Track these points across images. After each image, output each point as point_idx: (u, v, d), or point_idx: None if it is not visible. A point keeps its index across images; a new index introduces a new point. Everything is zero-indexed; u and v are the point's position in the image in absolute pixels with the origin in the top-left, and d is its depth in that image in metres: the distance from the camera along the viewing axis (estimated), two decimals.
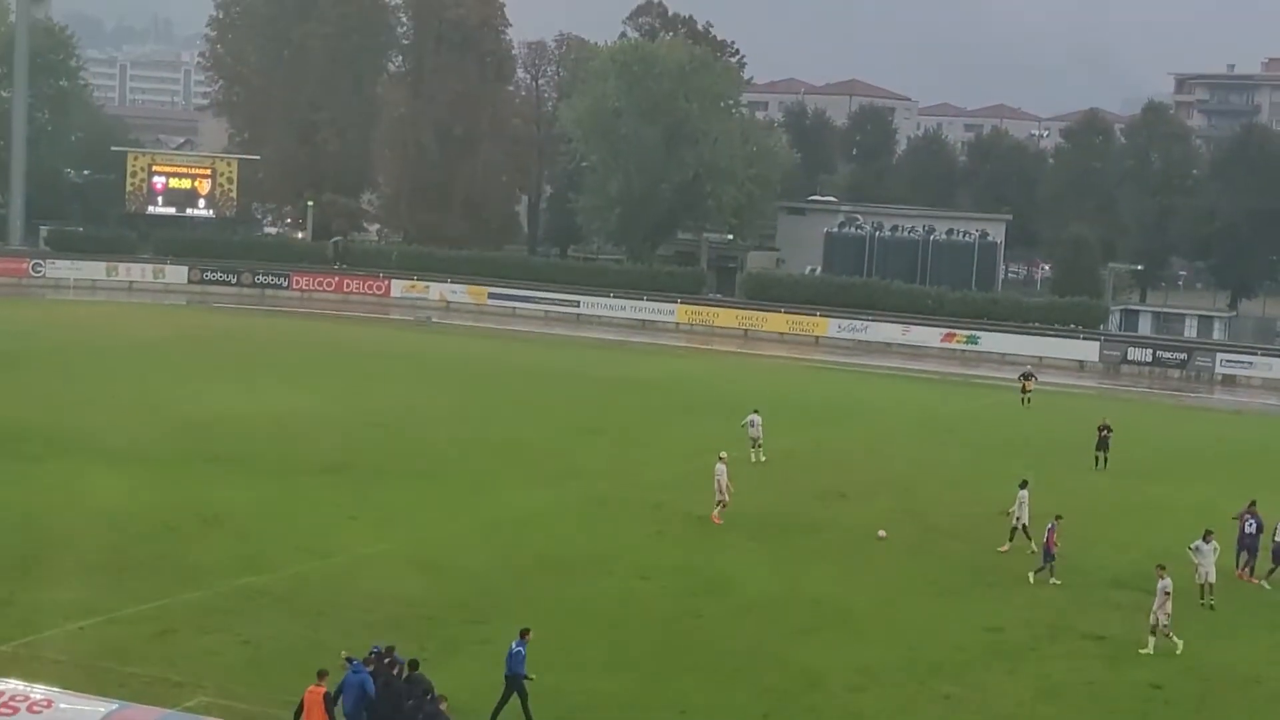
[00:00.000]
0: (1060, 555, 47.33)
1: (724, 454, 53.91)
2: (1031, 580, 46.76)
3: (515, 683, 32.61)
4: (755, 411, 65.08)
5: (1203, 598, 44.65)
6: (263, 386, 75.68)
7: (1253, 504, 49.66)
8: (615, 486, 57.59)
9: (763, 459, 62.90)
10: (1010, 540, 50.62)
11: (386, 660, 31.50)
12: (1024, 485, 51.34)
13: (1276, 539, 48.68)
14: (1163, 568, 41.33)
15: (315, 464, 57.91)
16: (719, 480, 52.61)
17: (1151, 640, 40.54)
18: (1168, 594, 40.37)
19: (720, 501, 52.47)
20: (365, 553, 45.89)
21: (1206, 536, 45.28)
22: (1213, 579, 44.88)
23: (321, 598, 41.13)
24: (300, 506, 51.45)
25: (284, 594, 41.35)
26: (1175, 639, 40.46)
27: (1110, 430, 67.86)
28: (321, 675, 30.06)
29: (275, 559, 44.46)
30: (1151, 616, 40.82)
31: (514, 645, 32.89)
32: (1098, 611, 44.26)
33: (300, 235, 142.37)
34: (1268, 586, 48.11)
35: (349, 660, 31.10)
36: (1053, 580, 46.70)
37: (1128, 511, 58.09)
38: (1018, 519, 50.63)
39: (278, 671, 35.47)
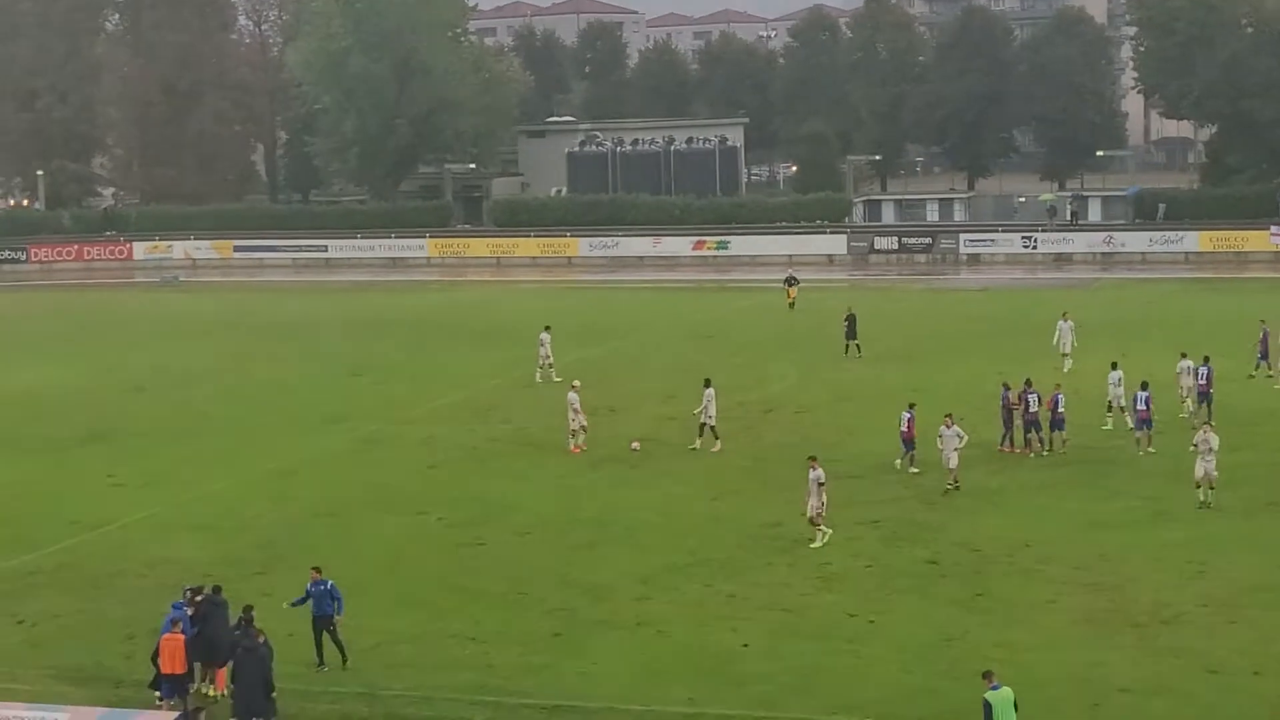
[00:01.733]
0: (829, 443, 48.20)
1: (576, 383, 53.43)
2: (897, 467, 47.72)
3: (327, 622, 32.79)
4: (546, 329, 65.25)
5: (949, 482, 45.35)
6: (11, 363, 73.81)
7: (1028, 382, 50.66)
8: (384, 425, 57.34)
9: (556, 379, 62.88)
10: (700, 437, 51.39)
11: (200, 599, 31.95)
12: (708, 384, 51.75)
13: (1058, 411, 49.78)
14: (813, 459, 41.42)
15: (74, 436, 56.74)
16: (572, 409, 52.00)
17: (820, 534, 40.63)
18: (820, 484, 40.47)
19: (574, 431, 51.94)
20: (135, 519, 45.16)
21: (948, 422, 45.94)
22: (954, 464, 45.39)
23: (96, 569, 40.42)
24: (63, 480, 50.40)
25: (56, 569, 40.56)
26: (825, 529, 40.63)
27: (854, 317, 69.27)
28: (175, 622, 30.47)
29: (43, 536, 43.53)
30: (809, 509, 40.75)
31: (316, 585, 32.88)
32: (870, 497, 45.21)
33: (30, 204, 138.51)
34: (1045, 454, 49.48)
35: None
36: (912, 469, 47.30)
37: (890, 397, 59.20)
38: (707, 416, 51.26)
39: (58, 647, 34.85)
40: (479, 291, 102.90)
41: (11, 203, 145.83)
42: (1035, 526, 41.96)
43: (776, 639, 34.12)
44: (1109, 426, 52.73)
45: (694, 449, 51.15)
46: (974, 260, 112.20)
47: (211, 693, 31.18)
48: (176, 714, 25.32)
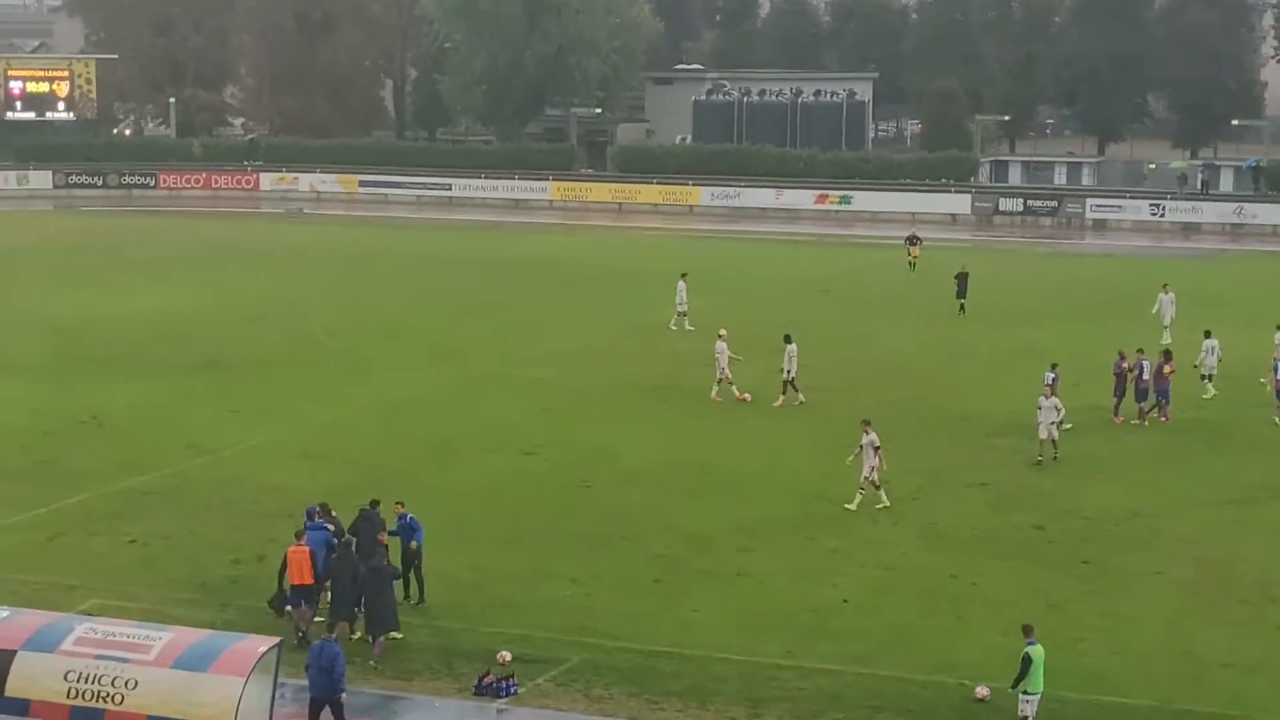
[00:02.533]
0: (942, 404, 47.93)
1: (723, 331, 52.90)
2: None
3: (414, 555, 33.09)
4: (682, 276, 64.90)
5: (1046, 454, 44.42)
6: (135, 288, 74.81)
7: (1140, 352, 50.09)
8: (497, 365, 57.65)
9: (688, 328, 62.87)
10: (783, 394, 51.13)
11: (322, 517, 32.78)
12: (789, 340, 51.38)
13: (1158, 376, 49.23)
14: (867, 422, 40.91)
15: (193, 361, 57.50)
16: (719, 358, 51.77)
17: (859, 495, 40.11)
18: (876, 448, 40.01)
19: (720, 379, 51.73)
20: (248, 446, 45.74)
21: (1046, 394, 45.14)
22: (1055, 436, 44.49)
23: (207, 493, 41.02)
24: (180, 404, 51.12)
25: (169, 492, 41.19)
26: (884, 494, 40.14)
27: (965, 275, 68.96)
28: (299, 535, 31.45)
29: (158, 458, 44.21)
30: (863, 472, 40.16)
31: (407, 517, 33.23)
32: (979, 459, 44.94)
33: (166, 130, 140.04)
34: (1148, 424, 49.00)
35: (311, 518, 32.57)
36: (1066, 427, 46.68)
37: (1005, 359, 58.89)
38: (787, 373, 51.01)
39: (169, 567, 35.46)
40: (598, 237, 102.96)
41: (128, 132, 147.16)
42: (1145, 496, 41.56)
43: (876, 596, 34.07)
44: (1210, 395, 52.08)
45: (777, 405, 50.92)
46: (1100, 226, 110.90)
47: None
48: (274, 642, 25.63)
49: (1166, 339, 59.25)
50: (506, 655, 30.39)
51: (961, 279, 69.00)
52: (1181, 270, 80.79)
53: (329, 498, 38.20)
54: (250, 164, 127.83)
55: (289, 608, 31.39)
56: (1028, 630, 27.53)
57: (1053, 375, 48.08)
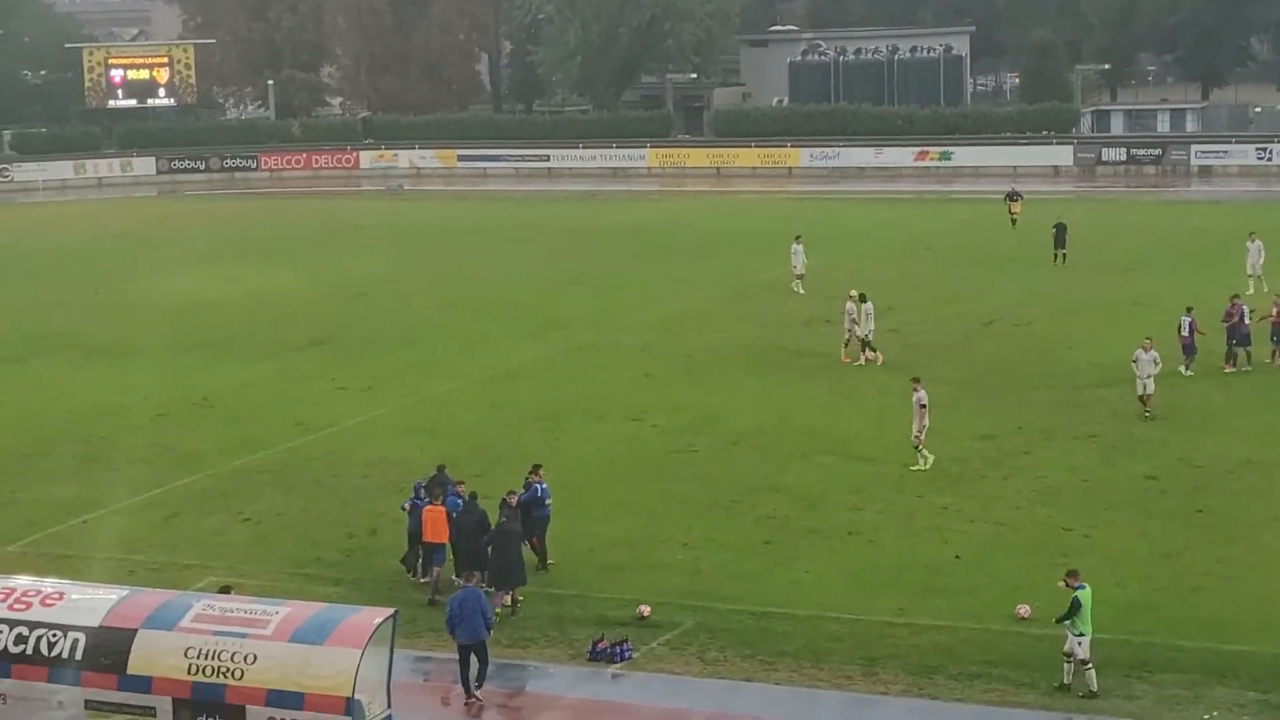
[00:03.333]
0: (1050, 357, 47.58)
1: (854, 292, 51.97)
2: (1183, 373, 47.25)
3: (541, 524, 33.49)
4: (797, 239, 64.40)
5: (1145, 408, 43.54)
6: (241, 269, 75.51)
7: (1235, 298, 49.52)
8: (600, 333, 57.77)
9: (799, 292, 62.52)
10: (864, 353, 50.59)
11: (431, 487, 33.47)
12: (864, 298, 50.75)
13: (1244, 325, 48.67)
14: (916, 380, 40.41)
15: (300, 340, 58.01)
16: (848, 317, 51.13)
17: (921, 458, 39.67)
18: (923, 406, 39.46)
19: (846, 340, 51.13)
20: (357, 421, 46.12)
21: (1146, 346, 43.85)
22: (1150, 390, 43.44)
23: (318, 469, 41.43)
24: (289, 383, 51.64)
25: (280, 469, 41.64)
26: (927, 454, 39.65)
27: (1063, 225, 68.62)
28: (436, 496, 32.50)
29: (268, 436, 44.69)
30: (913, 430, 39.75)
31: (538, 487, 33.56)
32: (1089, 411, 44.56)
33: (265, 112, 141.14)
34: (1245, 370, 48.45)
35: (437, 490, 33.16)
36: (1188, 373, 46.92)
37: (1112, 310, 58.28)
38: (854, 330, 50.52)
39: (282, 544, 35.89)
40: (698, 202, 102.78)
41: (241, 113, 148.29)
42: (1259, 444, 41.03)
43: (988, 552, 33.92)
44: None
45: (858, 364, 50.41)
46: (1205, 172, 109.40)
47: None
48: (388, 613, 25.84)
49: (1252, 288, 58.12)
50: (646, 609, 30.65)
51: (1059, 229, 68.48)
52: None
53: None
54: (362, 143, 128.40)
55: (435, 568, 32.18)
56: (1074, 574, 27.96)
57: (1189, 320, 47.61)
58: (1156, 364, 43.65)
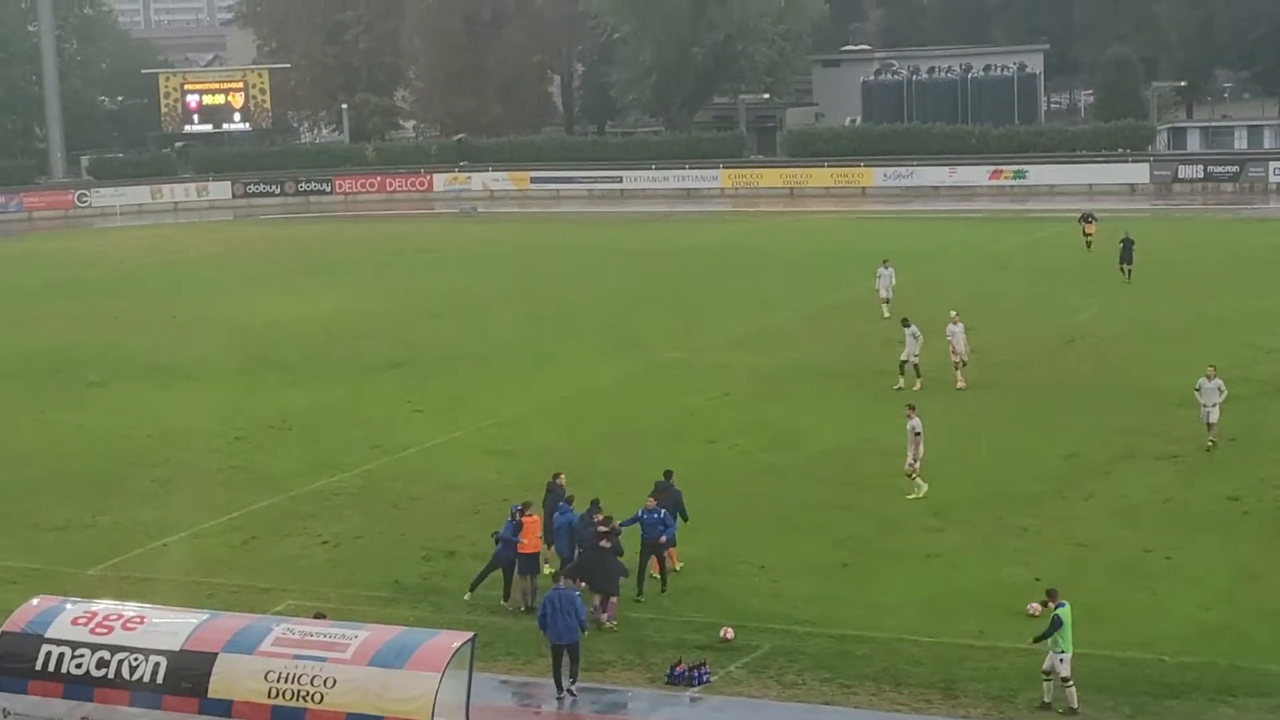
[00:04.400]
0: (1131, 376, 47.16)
1: (954, 313, 51.45)
2: None
3: (657, 548, 33.66)
4: (884, 263, 63.33)
5: (1209, 436, 42.17)
6: (316, 291, 75.86)
7: None
8: (676, 353, 57.70)
9: (885, 316, 60.86)
10: (902, 376, 50.22)
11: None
12: (907, 323, 50.39)
13: None
14: (911, 407, 39.98)
15: (376, 361, 58.20)
16: (952, 342, 50.38)
17: (916, 487, 39.17)
18: (917, 434, 38.99)
19: (957, 364, 50.42)
20: (434, 443, 46.20)
21: (1210, 374, 42.65)
22: (1214, 419, 42.12)
23: (395, 491, 41.52)
24: (365, 405, 51.79)
25: (358, 492, 41.75)
26: (921, 481, 39.14)
27: (1131, 241, 68.31)
28: (528, 505, 33.44)
29: (346, 459, 44.82)
30: (908, 458, 39.31)
31: (648, 513, 33.77)
32: (1169, 430, 44.10)
33: (338, 135, 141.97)
34: None
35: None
36: None
37: (1190, 329, 57.81)
38: (911, 355, 49.99)
39: (361, 567, 35.95)
40: (771, 222, 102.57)
41: (316, 137, 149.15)
42: None
43: (1069, 573, 33.55)
44: None
45: (899, 389, 49.68)
46: None
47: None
48: (467, 637, 25.84)
49: None
50: (729, 632, 30.70)
51: (1126, 245, 68.37)
52: None
53: (516, 492, 38.54)
54: (468, 166, 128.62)
55: (529, 576, 32.73)
56: (1053, 593, 28.07)
57: None
58: (1221, 392, 42.33)
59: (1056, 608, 27.64)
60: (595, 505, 33.35)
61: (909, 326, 50.41)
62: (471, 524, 37.73)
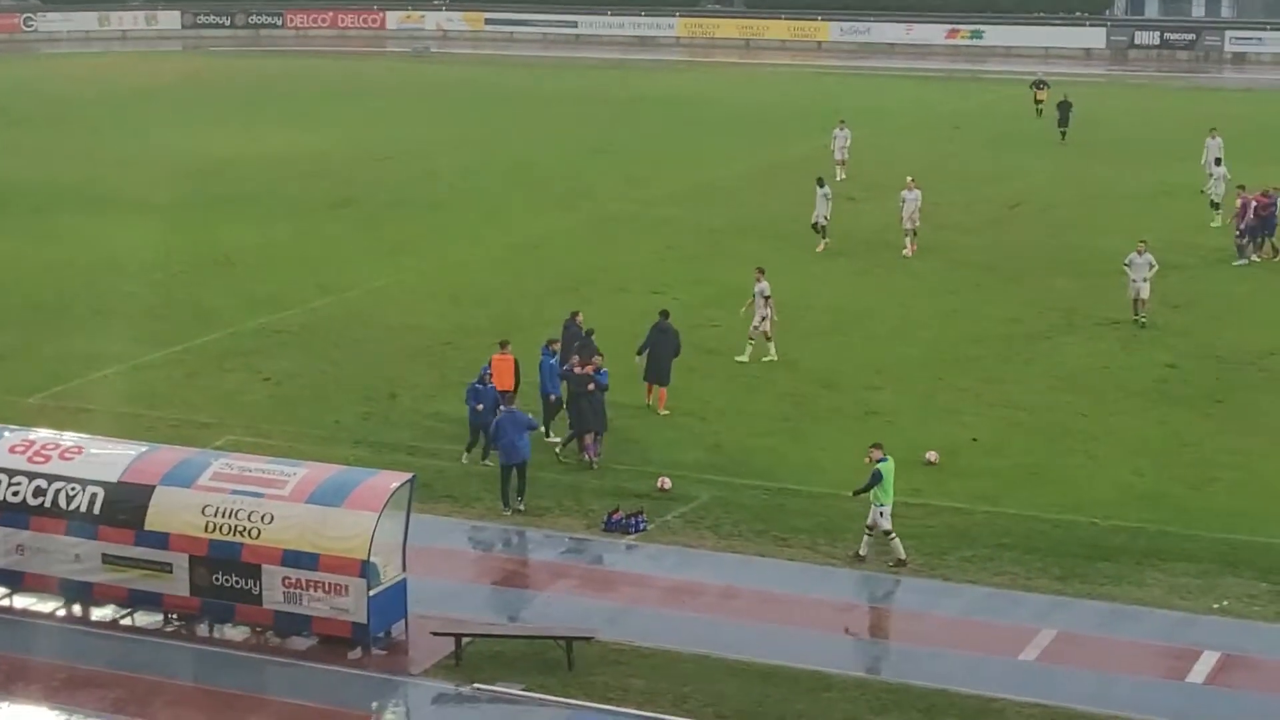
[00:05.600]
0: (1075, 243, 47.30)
1: (910, 178, 50.80)
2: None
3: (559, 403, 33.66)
4: (840, 123, 62.38)
5: (1136, 313, 42.06)
6: (265, 128, 75.10)
7: (1240, 188, 49.15)
8: (624, 205, 57.54)
9: (839, 177, 59.57)
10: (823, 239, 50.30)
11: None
12: (821, 183, 50.72)
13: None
14: (761, 270, 39.58)
15: (324, 201, 57.86)
16: (904, 207, 49.84)
17: (749, 347, 39.10)
18: (766, 297, 38.72)
19: (908, 231, 49.81)
20: (380, 285, 46.12)
21: (1140, 249, 42.38)
22: (1145, 294, 42.03)
23: (339, 332, 41.48)
24: (312, 244, 51.57)
25: (301, 330, 41.70)
26: (773, 348, 38.92)
27: (1069, 104, 69.44)
28: (504, 344, 33.44)
29: (291, 297, 44.70)
30: (753, 321, 39.04)
31: (544, 358, 33.64)
32: (1112, 298, 44.25)
33: None
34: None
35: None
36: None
37: (1141, 197, 57.94)
38: (820, 216, 50.23)
39: (302, 406, 36.00)
40: (726, 74, 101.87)
41: None
42: None
43: (1006, 435, 33.95)
44: None
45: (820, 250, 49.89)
46: (1239, 60, 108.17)
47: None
48: (406, 478, 25.91)
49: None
50: (667, 481, 30.94)
51: (1064, 107, 69.36)
52: None
53: (458, 337, 38.60)
54: (411, 4, 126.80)
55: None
56: (878, 447, 28.29)
57: (1246, 198, 47.55)
58: (1152, 266, 42.17)
59: (878, 462, 27.91)
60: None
61: (822, 187, 50.42)
62: (415, 366, 37.77)
